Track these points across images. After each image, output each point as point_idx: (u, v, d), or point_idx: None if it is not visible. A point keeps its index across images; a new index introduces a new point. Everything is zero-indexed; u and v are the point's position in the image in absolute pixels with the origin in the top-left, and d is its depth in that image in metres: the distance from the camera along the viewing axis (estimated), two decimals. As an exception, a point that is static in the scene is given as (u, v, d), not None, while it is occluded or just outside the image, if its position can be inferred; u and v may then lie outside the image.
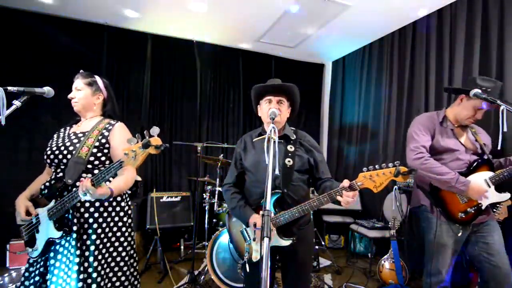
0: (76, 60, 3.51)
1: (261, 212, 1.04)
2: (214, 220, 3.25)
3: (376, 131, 3.87)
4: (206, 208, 3.25)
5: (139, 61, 3.90)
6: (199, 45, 4.17)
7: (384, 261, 2.84)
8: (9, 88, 1.25)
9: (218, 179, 3.24)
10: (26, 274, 1.49)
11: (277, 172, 1.20)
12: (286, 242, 1.48)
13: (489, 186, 1.79)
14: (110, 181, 1.43)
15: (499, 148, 1.85)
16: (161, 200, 3.56)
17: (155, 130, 1.13)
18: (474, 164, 1.85)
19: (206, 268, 2.62)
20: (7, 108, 1.23)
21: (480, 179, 1.81)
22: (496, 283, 1.80)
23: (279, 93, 1.60)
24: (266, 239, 0.96)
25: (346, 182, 1.35)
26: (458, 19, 2.86)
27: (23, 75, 3.30)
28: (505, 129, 1.70)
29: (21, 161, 3.29)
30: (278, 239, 1.49)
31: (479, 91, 1.71)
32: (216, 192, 3.25)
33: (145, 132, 1.13)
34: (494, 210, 2.08)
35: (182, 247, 3.54)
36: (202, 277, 2.77)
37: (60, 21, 3.47)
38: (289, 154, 1.57)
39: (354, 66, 4.35)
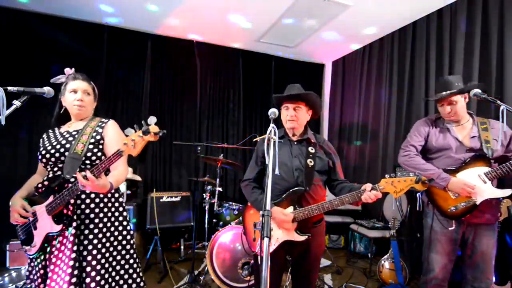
0: (76, 60, 3.50)
1: (261, 212, 1.05)
2: (214, 220, 3.25)
3: (376, 131, 3.87)
4: (206, 208, 3.25)
5: (139, 61, 3.90)
6: (199, 45, 4.17)
7: (384, 261, 2.84)
8: (9, 88, 1.25)
9: (218, 179, 3.24)
10: (30, 268, 1.53)
11: (277, 172, 1.22)
12: (301, 238, 1.56)
13: (485, 182, 1.77)
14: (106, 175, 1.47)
15: (499, 148, 1.85)
16: (161, 200, 3.55)
17: (152, 119, 1.17)
18: (468, 160, 1.86)
19: (206, 268, 2.62)
20: (7, 108, 1.24)
21: (472, 175, 1.81)
22: (474, 281, 1.85)
23: (296, 100, 1.70)
24: (266, 239, 0.97)
25: (368, 186, 1.46)
26: (458, 19, 2.86)
27: (23, 75, 3.30)
28: (505, 129, 1.71)
29: (21, 161, 3.29)
30: (294, 234, 1.57)
31: (479, 90, 1.77)
32: (216, 192, 3.25)
33: (142, 122, 1.18)
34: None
35: (182, 247, 3.54)
36: (202, 277, 2.78)
37: (60, 21, 3.47)
38: (311, 155, 1.67)
39: (354, 66, 4.35)
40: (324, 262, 3.43)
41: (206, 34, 3.95)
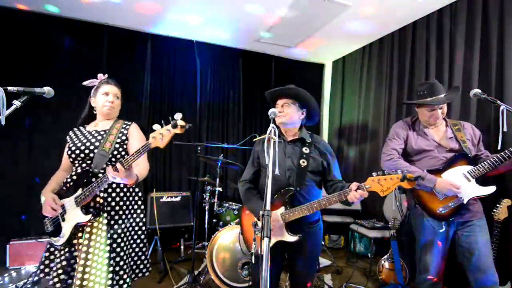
0: (76, 60, 3.50)
1: (261, 212, 1.05)
2: (214, 220, 3.25)
3: (376, 131, 3.87)
4: (206, 208, 3.25)
5: (139, 61, 3.89)
6: (199, 45, 4.17)
7: (384, 261, 2.84)
8: (9, 88, 1.26)
9: (218, 179, 3.24)
10: (47, 262, 1.65)
11: (277, 172, 1.23)
12: (292, 238, 1.55)
13: (469, 180, 1.80)
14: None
15: (499, 148, 1.85)
16: (161, 200, 3.55)
17: (178, 115, 1.31)
18: (450, 160, 1.89)
19: (206, 268, 2.63)
20: (7, 108, 1.24)
21: (457, 174, 1.83)
22: (477, 283, 1.84)
23: (283, 96, 1.73)
24: (266, 239, 0.97)
25: (354, 185, 1.45)
26: (458, 19, 2.86)
27: (23, 75, 3.29)
28: (505, 129, 1.72)
29: (21, 162, 3.28)
30: (286, 234, 1.57)
31: (479, 90, 1.77)
32: (216, 192, 3.25)
33: (170, 117, 1.34)
34: (494, 210, 2.08)
35: (182, 247, 3.54)
36: (202, 277, 2.78)
37: (60, 21, 3.46)
38: (304, 156, 1.67)
39: (354, 66, 4.35)
40: (324, 262, 3.43)
41: (206, 34, 3.94)
